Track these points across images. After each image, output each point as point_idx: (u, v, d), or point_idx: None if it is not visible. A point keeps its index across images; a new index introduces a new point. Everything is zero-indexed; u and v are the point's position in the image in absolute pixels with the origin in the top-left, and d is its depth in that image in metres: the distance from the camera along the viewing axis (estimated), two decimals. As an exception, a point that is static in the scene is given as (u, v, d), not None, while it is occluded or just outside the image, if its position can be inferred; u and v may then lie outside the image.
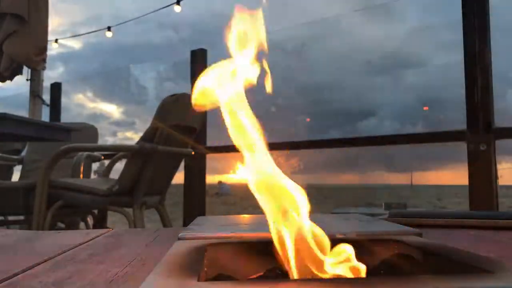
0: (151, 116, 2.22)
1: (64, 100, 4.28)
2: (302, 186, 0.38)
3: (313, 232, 0.38)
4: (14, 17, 2.80)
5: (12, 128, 1.95)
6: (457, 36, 2.33)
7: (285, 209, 0.38)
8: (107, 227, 2.54)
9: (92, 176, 3.02)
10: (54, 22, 2.91)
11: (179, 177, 2.94)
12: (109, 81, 5.37)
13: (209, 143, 3.35)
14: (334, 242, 0.40)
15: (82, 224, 3.02)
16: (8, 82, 3.06)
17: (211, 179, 3.45)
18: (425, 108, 3.66)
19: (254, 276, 0.42)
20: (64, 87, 4.34)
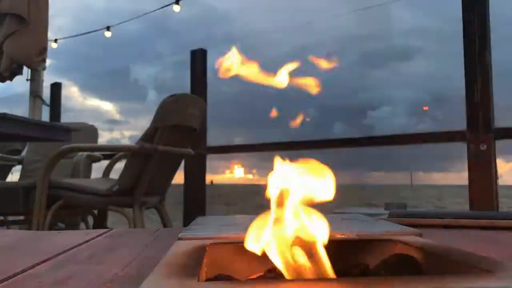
0: (149, 115, 2.22)
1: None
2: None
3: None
4: (14, 17, 2.80)
5: (12, 128, 1.95)
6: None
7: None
8: (107, 227, 2.54)
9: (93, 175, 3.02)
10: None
11: (179, 177, 2.94)
12: (107, 80, 5.38)
13: (209, 143, 3.35)
14: (335, 242, 0.40)
15: (82, 224, 3.02)
16: (8, 82, 3.06)
17: (211, 179, 3.45)
18: (425, 108, 3.66)
19: (254, 276, 0.42)
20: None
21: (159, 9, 4.08)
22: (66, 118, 4.39)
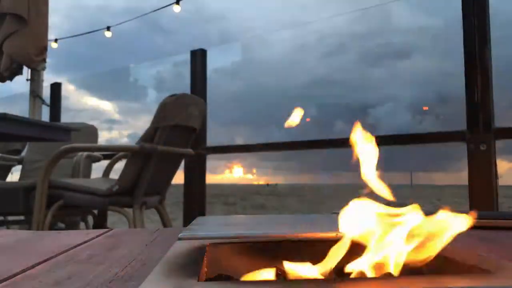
0: (149, 115, 2.23)
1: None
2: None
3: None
4: (14, 17, 2.80)
5: (12, 128, 1.95)
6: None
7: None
8: (107, 227, 2.54)
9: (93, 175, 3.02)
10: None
11: (179, 177, 2.94)
12: (106, 79, 5.38)
13: (209, 143, 3.35)
14: (334, 242, 0.40)
15: (82, 224, 3.02)
16: (8, 82, 3.06)
17: (211, 179, 3.45)
18: (425, 108, 3.66)
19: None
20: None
21: (159, 9, 4.08)
22: (65, 117, 4.39)
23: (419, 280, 0.30)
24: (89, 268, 0.46)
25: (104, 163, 2.95)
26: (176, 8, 3.94)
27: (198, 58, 3.43)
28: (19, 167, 3.24)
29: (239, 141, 4.00)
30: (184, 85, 3.43)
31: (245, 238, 0.47)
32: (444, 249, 0.39)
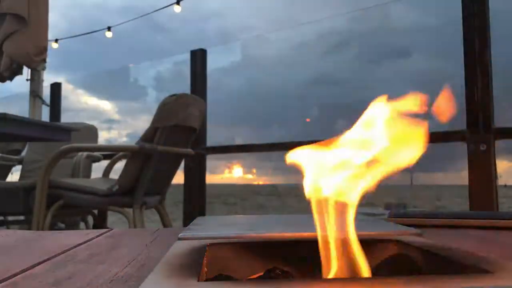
0: (148, 115, 2.23)
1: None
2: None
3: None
4: (14, 17, 2.80)
5: (12, 128, 1.95)
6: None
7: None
8: (107, 227, 2.54)
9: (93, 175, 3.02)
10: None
11: (179, 177, 2.94)
12: (105, 79, 5.39)
13: (209, 143, 3.36)
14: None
15: (82, 224, 3.02)
16: (8, 82, 3.06)
17: (211, 179, 3.46)
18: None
19: (254, 276, 0.42)
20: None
21: (160, 9, 4.08)
22: (65, 117, 4.39)
23: (419, 280, 0.30)
24: (89, 268, 0.46)
25: (104, 163, 2.95)
26: (177, 8, 3.94)
27: (198, 58, 3.43)
28: (19, 167, 3.24)
29: (239, 141, 4.00)
30: (184, 85, 3.44)
31: (245, 238, 0.47)
32: (444, 249, 0.39)
